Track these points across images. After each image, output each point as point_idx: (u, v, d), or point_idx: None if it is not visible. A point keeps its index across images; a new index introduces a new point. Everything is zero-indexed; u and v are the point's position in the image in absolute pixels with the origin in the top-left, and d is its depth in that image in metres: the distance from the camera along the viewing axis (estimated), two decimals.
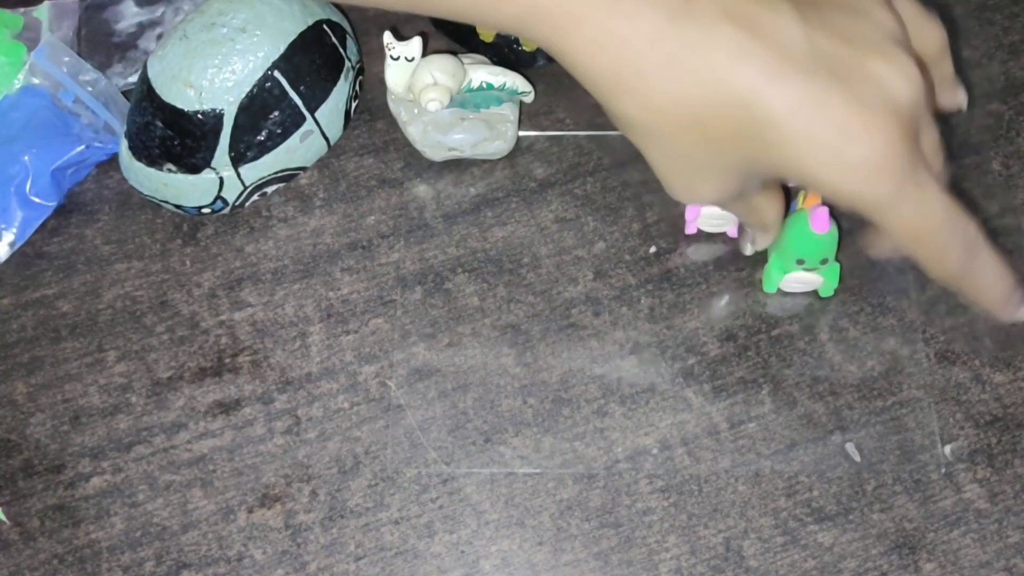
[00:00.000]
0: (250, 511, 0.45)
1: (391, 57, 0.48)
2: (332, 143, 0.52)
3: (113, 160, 0.52)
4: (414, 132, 0.50)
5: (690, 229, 0.49)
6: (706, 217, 0.48)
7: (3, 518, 0.45)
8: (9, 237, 0.50)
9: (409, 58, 0.48)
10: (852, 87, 0.34)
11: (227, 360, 0.47)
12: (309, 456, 0.45)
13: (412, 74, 0.48)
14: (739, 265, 0.48)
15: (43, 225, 0.51)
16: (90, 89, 0.52)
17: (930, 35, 0.40)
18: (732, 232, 0.49)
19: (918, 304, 0.48)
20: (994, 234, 0.49)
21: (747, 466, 0.45)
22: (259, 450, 0.46)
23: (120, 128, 0.52)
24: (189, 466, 0.45)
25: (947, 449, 0.45)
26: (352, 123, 0.53)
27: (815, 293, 0.48)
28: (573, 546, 0.44)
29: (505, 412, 0.46)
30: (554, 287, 0.49)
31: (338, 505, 0.44)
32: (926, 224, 0.37)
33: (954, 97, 0.43)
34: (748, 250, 0.47)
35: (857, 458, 0.45)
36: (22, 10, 0.55)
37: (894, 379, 0.46)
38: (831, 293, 0.47)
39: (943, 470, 0.44)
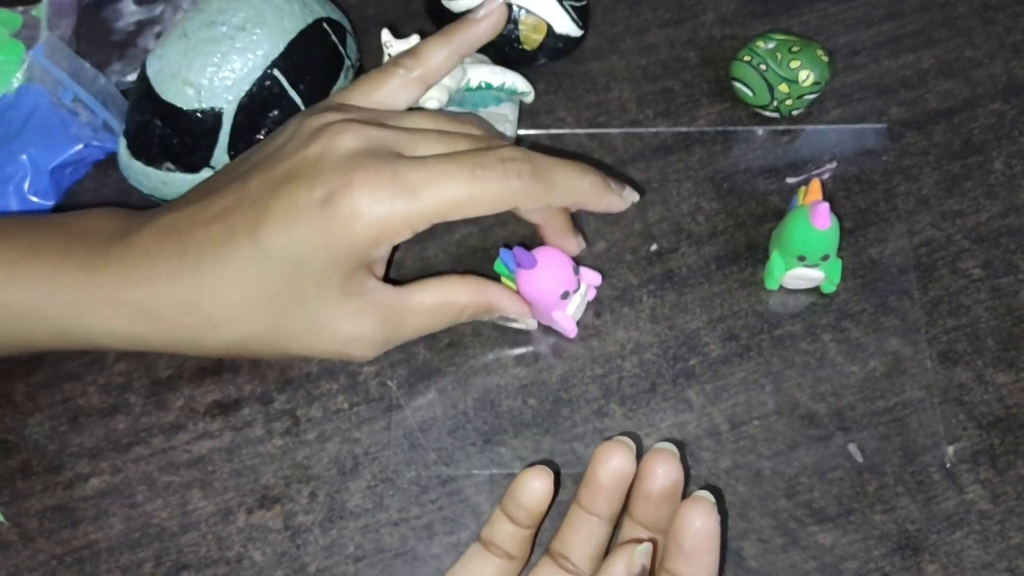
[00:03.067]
0: (249, 512, 0.44)
1: (389, 55, 0.48)
2: None
3: (112, 159, 0.52)
4: None
5: (575, 332, 0.46)
6: (573, 308, 0.46)
7: (2, 519, 0.45)
8: None
9: (406, 47, 0.48)
10: (308, 176, 0.39)
11: (226, 360, 0.47)
12: (308, 457, 0.45)
13: None
14: (742, 264, 0.48)
15: None
16: (89, 88, 0.52)
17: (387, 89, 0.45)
18: (592, 295, 0.47)
19: (921, 304, 0.47)
20: (997, 234, 0.49)
21: (748, 467, 0.44)
22: (258, 451, 0.45)
23: (119, 127, 0.52)
24: (188, 467, 0.45)
25: (950, 450, 0.44)
26: None
27: (817, 291, 0.47)
28: None
29: (505, 413, 0.46)
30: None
31: (337, 506, 0.44)
32: (456, 188, 0.40)
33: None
34: (532, 323, 0.46)
35: (859, 459, 0.44)
36: (21, 8, 0.55)
37: (896, 380, 0.46)
38: (833, 289, 0.47)
39: (946, 471, 0.44)
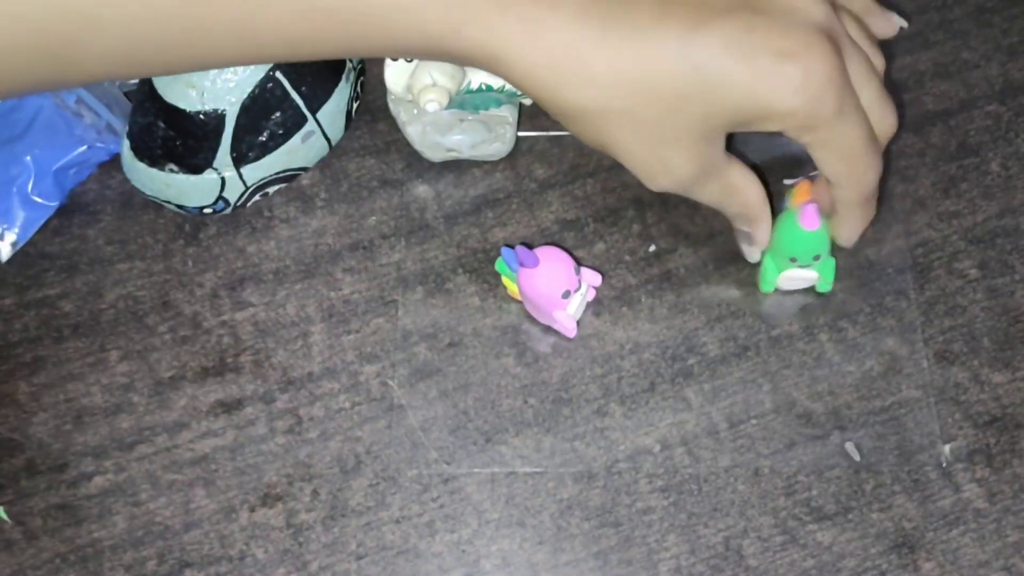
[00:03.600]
0: (252, 510, 0.45)
1: (389, 59, 0.48)
2: (333, 144, 0.52)
3: (115, 160, 0.52)
4: (413, 133, 0.50)
5: (574, 332, 0.47)
6: (573, 308, 0.46)
7: (6, 517, 0.45)
8: (11, 237, 0.51)
9: (408, 59, 0.48)
10: (773, 17, 0.37)
11: (229, 360, 0.48)
12: (311, 455, 0.46)
13: (411, 75, 0.48)
14: (739, 265, 0.49)
15: (45, 225, 0.51)
16: (93, 89, 0.52)
17: None
18: (591, 296, 0.47)
19: (917, 304, 0.48)
20: (993, 235, 0.49)
21: (746, 466, 0.45)
22: (261, 449, 0.46)
23: (122, 128, 0.52)
24: (191, 465, 0.46)
25: (946, 449, 0.45)
26: (353, 124, 0.53)
27: (814, 291, 0.48)
28: (573, 545, 0.44)
29: (506, 412, 0.46)
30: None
31: (339, 504, 0.45)
32: (860, 139, 0.40)
33: (887, 22, 0.45)
34: (754, 255, 0.47)
35: (856, 457, 0.45)
36: None
37: (893, 379, 0.46)
38: (829, 288, 0.47)
39: (942, 470, 0.44)
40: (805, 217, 0.43)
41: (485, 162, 0.52)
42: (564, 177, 0.51)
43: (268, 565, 0.44)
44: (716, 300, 0.48)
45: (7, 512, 0.45)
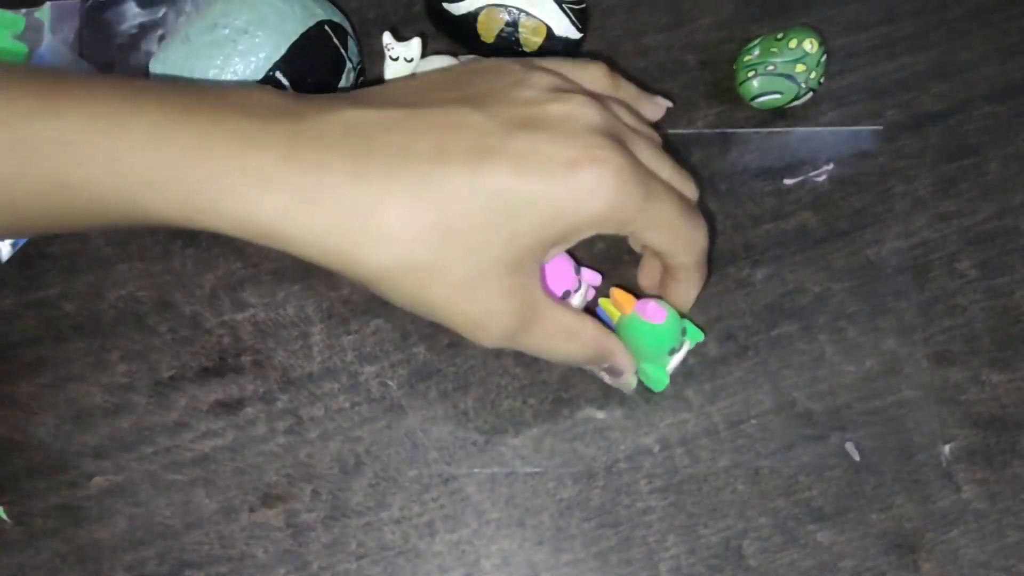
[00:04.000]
0: (252, 510, 0.45)
1: (390, 57, 0.48)
2: None
3: None
4: None
5: None
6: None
7: (6, 517, 0.45)
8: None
9: (408, 59, 0.48)
10: (553, 130, 0.37)
11: (229, 360, 0.48)
12: (311, 456, 0.46)
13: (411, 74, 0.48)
14: (739, 265, 0.49)
15: None
16: None
17: (592, 74, 0.43)
18: (590, 295, 0.47)
19: (916, 305, 0.48)
20: (993, 235, 0.49)
21: (746, 466, 0.45)
22: (261, 450, 0.46)
23: None
24: (192, 465, 0.46)
25: (946, 449, 0.45)
26: None
27: (814, 293, 0.48)
28: (573, 545, 0.44)
29: (505, 412, 0.46)
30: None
31: (340, 504, 0.45)
32: (677, 210, 0.40)
33: (655, 106, 0.46)
34: (630, 385, 0.45)
35: (856, 458, 0.45)
36: (24, 11, 0.55)
37: (892, 379, 0.46)
38: (702, 336, 0.46)
39: (942, 470, 0.45)
40: (651, 314, 0.42)
41: None
42: None
43: (268, 565, 0.44)
44: (716, 300, 0.48)
45: (7, 512, 0.45)
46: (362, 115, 0.37)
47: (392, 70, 0.48)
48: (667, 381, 0.45)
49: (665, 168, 0.41)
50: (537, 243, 0.38)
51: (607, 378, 0.45)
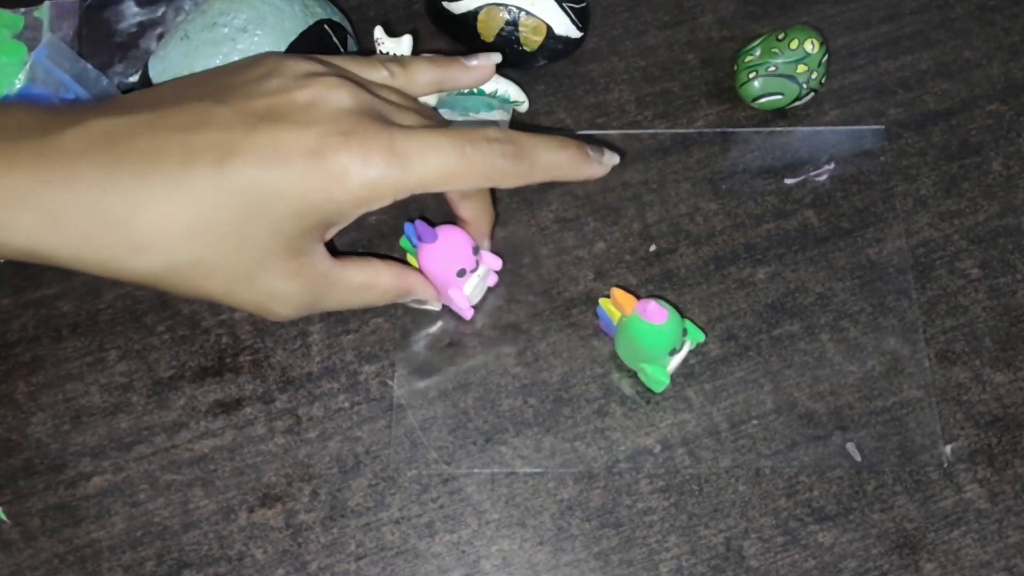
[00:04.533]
0: (251, 510, 0.45)
1: (380, 52, 0.48)
2: None
3: None
4: None
5: (469, 314, 0.47)
6: (471, 289, 0.46)
7: (4, 518, 0.45)
8: None
9: (398, 55, 0.48)
10: (295, 120, 0.37)
11: (228, 360, 0.48)
12: (310, 456, 0.45)
13: None
14: (739, 265, 0.49)
15: None
16: (91, 89, 0.52)
17: (376, 75, 0.43)
18: (492, 280, 0.48)
19: (919, 304, 0.48)
20: (995, 234, 0.49)
21: (748, 466, 0.45)
22: (260, 449, 0.46)
23: None
24: (190, 465, 0.45)
25: (947, 449, 0.45)
26: None
27: (816, 292, 0.48)
28: (573, 546, 0.44)
29: (506, 412, 0.46)
30: (555, 287, 0.49)
31: (339, 505, 0.45)
32: (445, 161, 0.39)
33: (463, 68, 0.46)
34: (434, 307, 0.47)
35: (858, 458, 0.45)
36: (23, 10, 0.55)
37: (894, 379, 0.46)
38: (703, 337, 0.46)
39: (943, 470, 0.44)
40: (652, 315, 0.42)
41: None
42: None
43: (267, 566, 0.44)
44: (716, 300, 0.48)
45: (5, 512, 0.45)
46: (110, 123, 0.37)
47: None
48: (667, 382, 0.44)
49: (420, 124, 0.41)
50: (303, 230, 0.38)
51: (417, 306, 0.47)
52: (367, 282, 0.43)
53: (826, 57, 0.50)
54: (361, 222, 0.50)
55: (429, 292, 0.45)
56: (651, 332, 0.42)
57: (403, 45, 0.48)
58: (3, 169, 0.36)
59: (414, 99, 0.44)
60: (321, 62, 0.41)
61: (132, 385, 0.47)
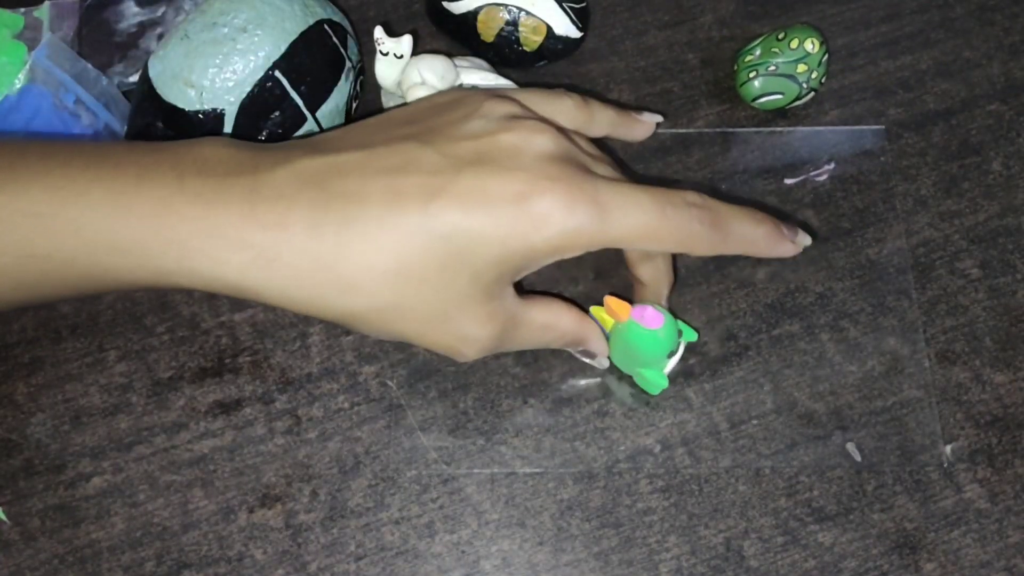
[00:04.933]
0: (251, 511, 0.45)
1: (380, 52, 0.48)
2: None
3: None
4: None
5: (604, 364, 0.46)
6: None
7: (4, 518, 0.45)
8: None
9: (398, 55, 0.48)
10: (501, 164, 0.37)
11: (227, 360, 0.48)
12: (310, 456, 0.45)
13: (401, 71, 0.48)
14: (740, 265, 0.48)
15: None
16: (91, 89, 0.52)
17: (562, 106, 0.43)
18: None
19: (919, 304, 0.48)
20: (995, 234, 0.49)
21: (747, 466, 0.45)
22: (260, 450, 0.46)
23: (121, 129, 0.52)
24: (190, 466, 0.45)
25: (948, 449, 0.45)
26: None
27: (815, 292, 0.48)
28: (574, 546, 0.44)
29: (505, 412, 0.46)
30: (555, 287, 0.49)
31: (339, 505, 0.45)
32: (646, 220, 0.38)
33: (637, 123, 0.46)
34: (602, 364, 0.46)
35: (858, 458, 0.45)
36: (23, 10, 0.55)
37: (894, 379, 0.46)
38: (696, 336, 0.46)
39: (943, 470, 0.44)
40: (648, 320, 0.42)
41: None
42: None
43: (267, 566, 0.44)
44: (716, 300, 0.48)
45: (5, 513, 0.45)
46: (317, 163, 0.38)
47: (382, 65, 0.48)
48: (666, 384, 0.44)
49: (621, 183, 0.40)
50: (502, 274, 0.38)
51: (581, 357, 0.45)
52: (549, 323, 0.42)
53: (826, 56, 0.50)
54: None
55: (602, 347, 0.44)
56: (649, 337, 0.42)
57: (403, 45, 0.48)
58: (214, 209, 0.36)
59: (601, 146, 0.44)
60: (518, 102, 0.41)
61: (132, 386, 0.47)
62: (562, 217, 0.37)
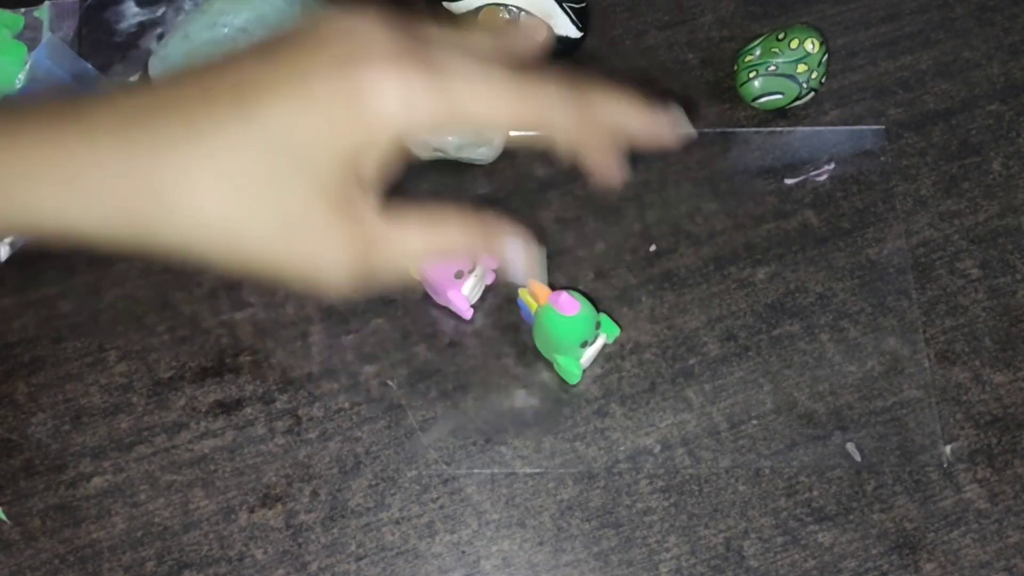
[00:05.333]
0: (251, 511, 0.45)
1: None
2: None
3: None
4: None
5: (468, 314, 0.47)
6: (468, 290, 0.46)
7: (4, 518, 0.45)
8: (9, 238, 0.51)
9: None
10: (318, 49, 0.33)
11: (228, 360, 0.48)
12: (310, 456, 0.45)
13: None
14: (740, 265, 0.49)
15: None
16: (91, 89, 0.52)
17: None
18: (490, 278, 0.48)
19: (918, 304, 0.48)
20: (995, 234, 0.49)
21: (747, 466, 0.45)
22: (260, 450, 0.46)
23: None
24: (190, 466, 0.45)
25: (947, 449, 0.45)
26: None
27: (815, 293, 0.48)
28: (573, 546, 0.44)
29: (505, 412, 0.46)
30: (555, 287, 0.48)
31: (339, 505, 0.45)
32: (497, 91, 0.34)
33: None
34: (523, 280, 0.42)
35: (857, 458, 0.45)
36: (23, 10, 0.55)
37: (894, 379, 0.46)
38: (617, 332, 0.46)
39: (943, 470, 0.44)
40: (564, 306, 0.42)
41: (486, 161, 0.52)
42: (565, 176, 0.51)
43: (267, 566, 0.44)
44: (716, 300, 0.48)
45: (6, 512, 0.45)
46: (134, 91, 0.34)
47: None
48: (580, 375, 0.45)
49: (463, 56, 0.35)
50: (340, 173, 0.34)
51: (506, 275, 0.38)
52: (428, 234, 0.36)
53: (826, 56, 0.50)
54: None
55: (514, 254, 0.38)
56: (562, 323, 0.43)
57: None
58: (23, 141, 0.33)
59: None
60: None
61: (132, 385, 0.47)
62: (394, 83, 0.32)
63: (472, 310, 0.47)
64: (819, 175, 0.51)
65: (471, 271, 0.46)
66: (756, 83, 0.50)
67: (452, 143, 0.50)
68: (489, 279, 0.48)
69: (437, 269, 0.45)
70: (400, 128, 0.33)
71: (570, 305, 0.43)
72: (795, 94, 0.50)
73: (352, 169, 0.34)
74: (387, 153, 0.34)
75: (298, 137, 0.33)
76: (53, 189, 0.33)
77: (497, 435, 0.46)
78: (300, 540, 0.44)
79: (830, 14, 0.55)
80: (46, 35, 0.54)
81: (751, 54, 0.50)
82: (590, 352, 0.45)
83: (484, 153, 0.50)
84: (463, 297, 0.46)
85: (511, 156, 0.51)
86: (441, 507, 0.44)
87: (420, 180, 0.51)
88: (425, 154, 0.51)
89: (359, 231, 0.35)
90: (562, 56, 0.53)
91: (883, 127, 0.52)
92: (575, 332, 0.43)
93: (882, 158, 0.51)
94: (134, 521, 0.45)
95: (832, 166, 0.51)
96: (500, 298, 0.48)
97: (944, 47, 0.54)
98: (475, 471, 0.45)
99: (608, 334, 0.46)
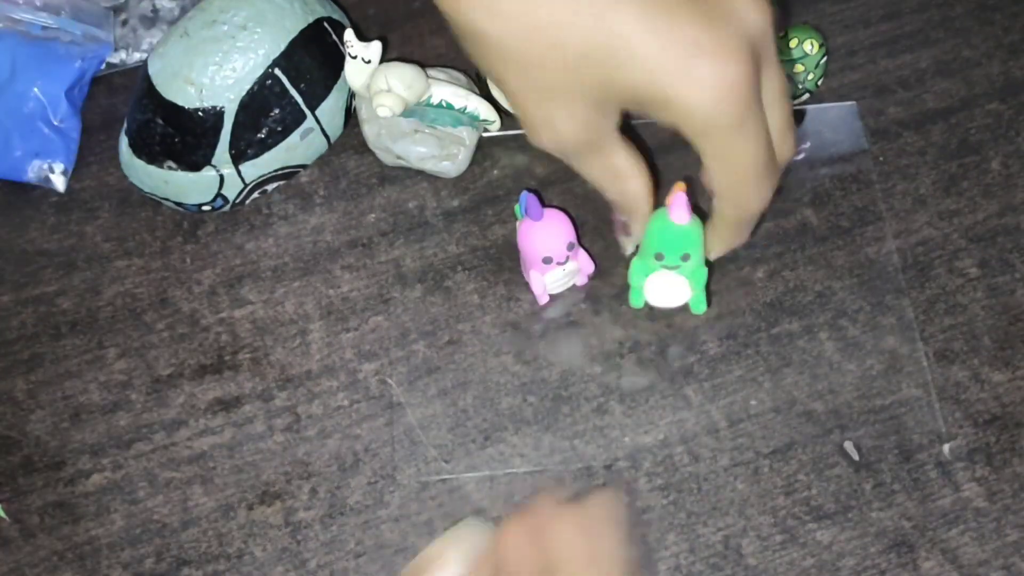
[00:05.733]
0: (250, 508, 0.45)
1: (349, 55, 0.48)
2: (332, 141, 0.52)
3: (112, 151, 0.52)
4: (368, 132, 0.50)
5: (543, 299, 0.48)
6: (552, 279, 0.46)
7: (3, 515, 0.45)
8: (60, 167, 0.51)
9: (366, 60, 0.48)
10: (703, 11, 0.34)
11: (227, 357, 0.48)
12: (309, 453, 0.45)
13: (370, 76, 0.48)
14: (739, 264, 0.49)
15: (43, 221, 0.51)
16: (53, 11, 0.52)
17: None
18: (581, 281, 0.48)
19: (917, 303, 0.48)
20: (994, 233, 0.49)
21: (746, 464, 0.45)
22: (259, 447, 0.46)
23: (102, 34, 0.52)
24: (189, 463, 0.45)
25: (946, 448, 0.45)
26: (352, 121, 0.53)
27: (812, 291, 0.48)
28: None
29: (505, 410, 0.46)
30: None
31: (338, 502, 0.45)
32: (754, 160, 0.36)
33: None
34: (627, 247, 0.44)
35: (856, 457, 0.45)
36: None
37: (893, 378, 0.46)
38: (703, 308, 0.46)
39: (942, 469, 0.44)
40: (674, 209, 0.41)
41: (485, 160, 0.52)
42: (564, 174, 0.51)
43: (266, 563, 0.44)
44: (716, 298, 0.48)
45: (5, 510, 0.45)
46: None
47: (350, 67, 0.48)
48: (643, 300, 0.45)
49: (780, 113, 0.38)
50: (624, 98, 0.36)
51: (616, 224, 0.43)
52: (624, 171, 0.40)
53: (824, 59, 0.50)
54: (361, 220, 0.51)
55: (639, 230, 0.43)
56: (663, 225, 0.42)
57: (371, 50, 0.48)
58: None
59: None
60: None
61: (131, 383, 0.47)
62: (715, 95, 0.34)
63: (548, 297, 0.47)
64: (796, 155, 0.50)
65: (561, 263, 0.46)
66: None
67: (415, 152, 0.50)
68: (580, 281, 0.48)
69: (530, 246, 0.45)
70: (682, 126, 0.36)
71: (680, 210, 0.41)
72: (792, 94, 0.50)
73: (628, 99, 0.36)
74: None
75: (626, 53, 0.34)
76: None
77: (496, 433, 0.46)
78: (299, 537, 0.44)
79: (830, 12, 0.55)
80: None
81: None
82: (664, 285, 0.45)
83: (447, 168, 0.50)
84: (541, 283, 0.46)
85: (510, 154, 0.51)
86: (440, 505, 0.44)
87: (418, 179, 0.51)
88: (388, 160, 0.51)
89: (593, 129, 0.38)
90: None
91: (853, 102, 0.52)
92: (675, 241, 0.42)
93: (881, 157, 0.51)
94: (133, 518, 0.45)
95: (807, 144, 0.51)
96: (499, 297, 0.48)
97: (944, 46, 0.54)
98: (474, 469, 0.45)
99: (696, 286, 0.45)
